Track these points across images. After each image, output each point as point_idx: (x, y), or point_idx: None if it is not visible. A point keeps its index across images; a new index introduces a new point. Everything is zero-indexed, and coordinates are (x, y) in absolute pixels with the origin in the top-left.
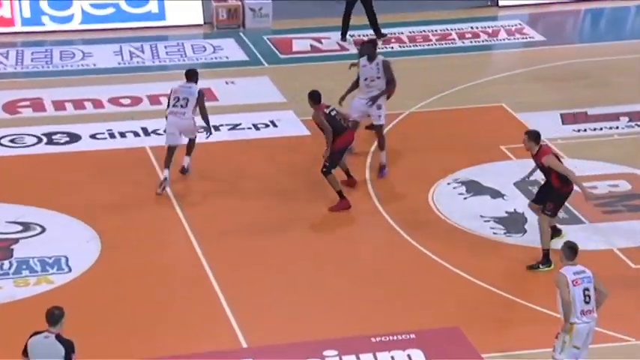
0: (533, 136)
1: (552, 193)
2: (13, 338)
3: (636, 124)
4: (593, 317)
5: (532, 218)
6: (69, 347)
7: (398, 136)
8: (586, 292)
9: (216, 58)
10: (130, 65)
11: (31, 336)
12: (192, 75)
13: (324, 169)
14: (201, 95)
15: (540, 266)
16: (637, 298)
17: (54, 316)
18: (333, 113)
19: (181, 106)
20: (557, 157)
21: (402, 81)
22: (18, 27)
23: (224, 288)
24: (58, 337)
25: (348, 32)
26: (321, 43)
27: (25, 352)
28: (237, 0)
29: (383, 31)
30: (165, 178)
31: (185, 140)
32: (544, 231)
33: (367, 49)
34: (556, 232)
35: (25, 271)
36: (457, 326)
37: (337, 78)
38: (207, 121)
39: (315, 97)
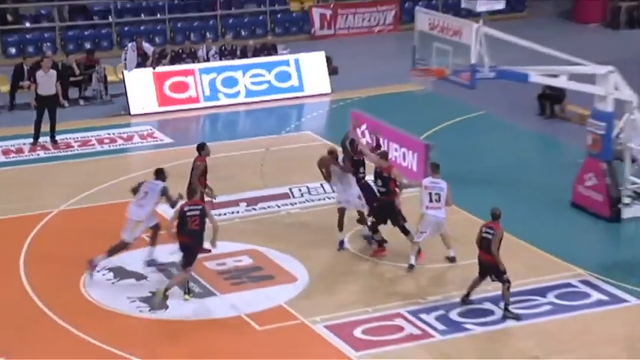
0: None
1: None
2: None
3: (253, 208)
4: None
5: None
6: None
7: (51, 232)
8: (433, 196)
9: None
10: None
11: None
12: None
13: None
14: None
15: (185, 295)
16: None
17: None
18: None
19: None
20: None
21: (48, 183)
22: None
23: None
24: None
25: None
26: None
27: None
28: None
29: (32, 141)
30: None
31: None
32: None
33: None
34: (188, 291)
35: None
36: None
37: None
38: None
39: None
